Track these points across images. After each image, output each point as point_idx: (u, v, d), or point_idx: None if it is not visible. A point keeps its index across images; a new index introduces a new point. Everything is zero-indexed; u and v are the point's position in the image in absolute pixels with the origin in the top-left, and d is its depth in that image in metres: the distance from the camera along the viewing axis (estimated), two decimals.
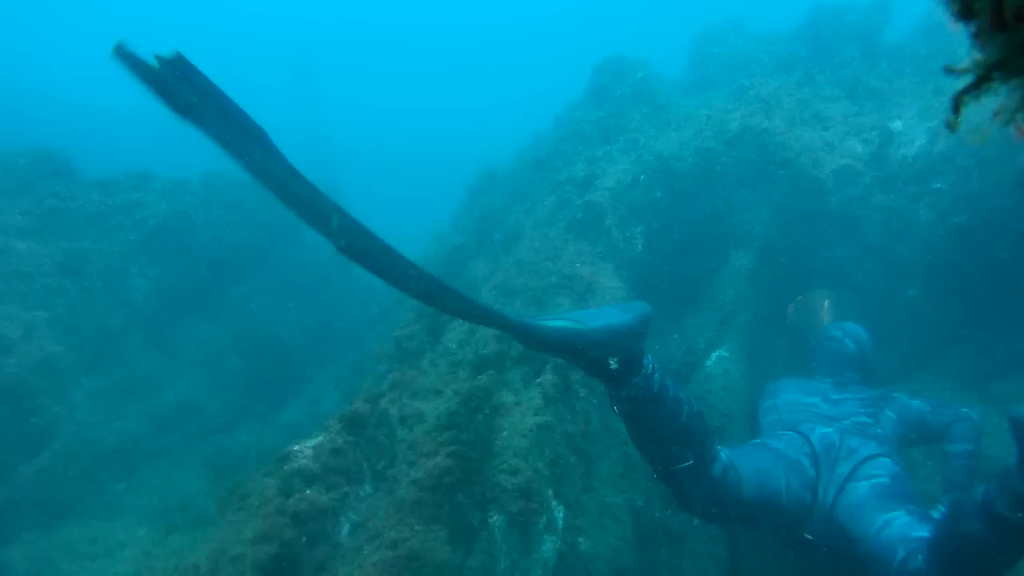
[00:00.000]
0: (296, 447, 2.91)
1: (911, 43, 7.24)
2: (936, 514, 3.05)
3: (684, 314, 5.12)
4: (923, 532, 2.75)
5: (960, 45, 0.78)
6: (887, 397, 3.82)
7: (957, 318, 4.77)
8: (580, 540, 3.32)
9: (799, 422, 3.58)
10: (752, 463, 3.08)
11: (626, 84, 7.26)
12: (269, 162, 1.63)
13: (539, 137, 8.03)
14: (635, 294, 4.80)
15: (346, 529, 2.75)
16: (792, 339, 4.95)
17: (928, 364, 4.85)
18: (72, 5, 34.25)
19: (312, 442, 2.93)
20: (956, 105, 0.76)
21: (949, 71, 0.74)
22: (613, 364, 2.49)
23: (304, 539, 2.55)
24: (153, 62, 1.49)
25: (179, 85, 1.52)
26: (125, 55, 1.47)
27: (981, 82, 0.73)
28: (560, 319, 2.46)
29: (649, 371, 2.62)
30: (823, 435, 3.39)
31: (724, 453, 2.97)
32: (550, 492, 3.11)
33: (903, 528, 2.82)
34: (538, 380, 3.48)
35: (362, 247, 1.77)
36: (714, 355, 4.63)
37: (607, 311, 2.55)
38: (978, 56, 0.73)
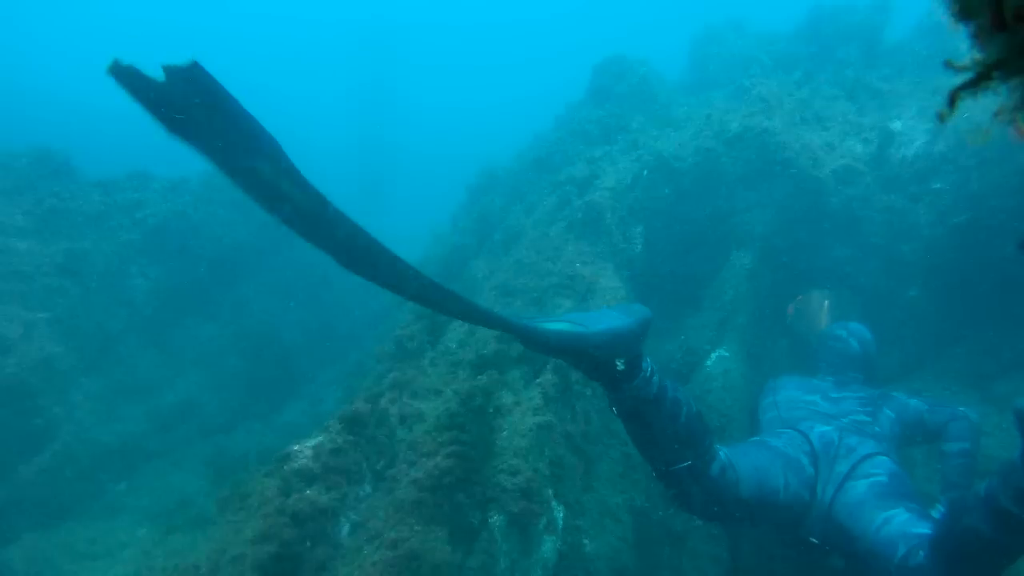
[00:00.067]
0: (296, 447, 2.91)
1: (911, 43, 7.23)
2: (935, 513, 3.06)
3: (684, 314, 5.12)
4: (923, 529, 2.74)
5: (960, 45, 0.77)
6: (886, 396, 3.82)
7: (958, 318, 4.77)
8: (580, 540, 3.32)
9: (798, 420, 3.58)
10: (750, 461, 3.09)
11: (626, 84, 7.27)
12: (279, 181, 1.55)
13: (539, 137, 8.04)
14: (635, 294, 4.80)
15: (346, 529, 2.75)
16: (793, 339, 4.95)
17: (929, 364, 4.85)
18: (72, 5, 34.25)
19: (312, 442, 2.93)
20: (952, 100, 0.76)
21: (948, 66, 0.74)
22: (620, 365, 2.50)
23: (304, 539, 2.55)
24: (154, 75, 1.38)
25: (186, 100, 1.41)
26: (122, 72, 1.35)
27: (979, 80, 0.73)
28: (561, 321, 2.47)
29: (648, 373, 2.63)
30: (822, 433, 3.39)
31: (723, 452, 2.98)
32: (550, 492, 3.11)
33: (903, 525, 2.82)
34: (538, 380, 3.48)
35: (367, 262, 1.75)
36: (714, 355, 4.63)
37: (608, 314, 2.56)
38: (978, 56, 0.73)
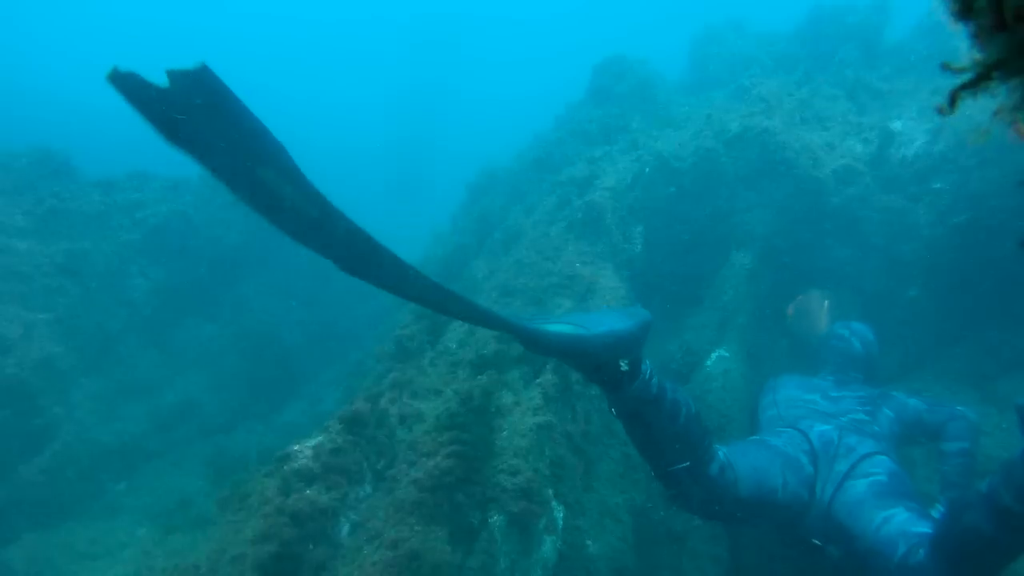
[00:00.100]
0: (296, 447, 2.91)
1: (911, 43, 7.23)
2: (935, 513, 3.05)
3: (684, 314, 5.12)
4: (923, 528, 2.74)
5: (960, 45, 0.77)
6: (885, 395, 3.82)
7: (958, 318, 4.77)
8: (581, 540, 3.32)
9: (798, 418, 3.58)
10: (749, 461, 3.09)
11: (626, 84, 7.27)
12: (282, 186, 1.53)
13: (539, 137, 8.04)
14: (635, 294, 4.80)
15: (346, 529, 2.75)
16: (793, 339, 4.95)
17: (929, 364, 4.85)
18: (72, 5, 34.25)
19: (312, 442, 2.93)
20: (952, 99, 0.76)
21: (946, 68, 0.74)
22: (624, 366, 2.50)
23: (304, 539, 2.55)
24: (155, 80, 1.34)
25: (189, 103, 1.37)
26: (122, 79, 1.32)
27: (979, 80, 0.73)
28: (562, 323, 2.47)
29: (647, 376, 2.64)
30: (822, 432, 3.39)
31: (721, 452, 2.98)
32: (550, 492, 3.11)
33: (903, 524, 2.82)
34: (538, 380, 3.48)
35: (369, 265, 1.74)
36: (714, 355, 4.63)
37: (609, 316, 2.56)
38: (978, 56, 0.73)
